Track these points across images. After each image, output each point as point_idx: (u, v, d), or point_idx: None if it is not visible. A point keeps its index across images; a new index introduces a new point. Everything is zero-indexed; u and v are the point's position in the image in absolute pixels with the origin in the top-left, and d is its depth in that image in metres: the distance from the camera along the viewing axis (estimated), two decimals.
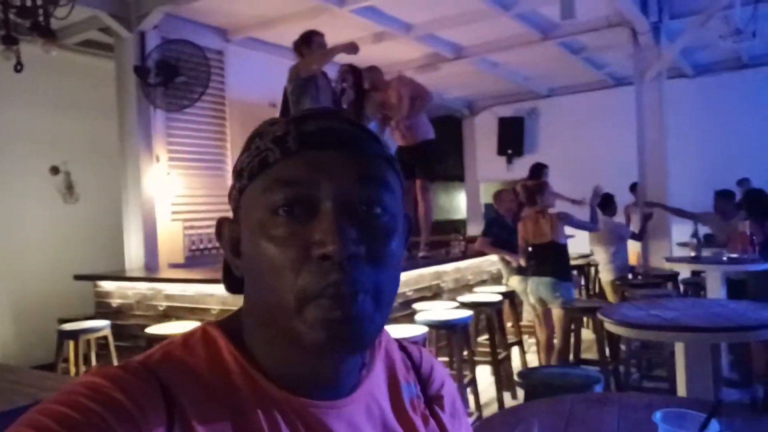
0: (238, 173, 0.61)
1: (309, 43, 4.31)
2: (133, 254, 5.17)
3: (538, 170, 6.12)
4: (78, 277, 4.63)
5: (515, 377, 2.77)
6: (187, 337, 0.61)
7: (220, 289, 0.66)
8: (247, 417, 0.56)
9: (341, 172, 0.57)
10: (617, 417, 1.35)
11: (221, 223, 0.64)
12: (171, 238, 5.27)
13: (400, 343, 0.75)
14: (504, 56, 7.24)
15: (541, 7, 5.66)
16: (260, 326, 0.60)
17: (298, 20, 5.15)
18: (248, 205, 0.59)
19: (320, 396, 0.60)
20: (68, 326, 4.06)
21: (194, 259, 5.40)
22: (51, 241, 5.65)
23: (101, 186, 5.77)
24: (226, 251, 0.63)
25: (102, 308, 4.56)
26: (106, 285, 4.58)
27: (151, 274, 4.83)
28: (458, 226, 8.23)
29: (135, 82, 5.02)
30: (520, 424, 1.16)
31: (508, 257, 4.95)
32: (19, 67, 3.16)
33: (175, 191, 5.35)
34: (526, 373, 2.78)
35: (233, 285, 0.66)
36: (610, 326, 2.46)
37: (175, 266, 5.12)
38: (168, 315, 4.19)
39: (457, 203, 11.71)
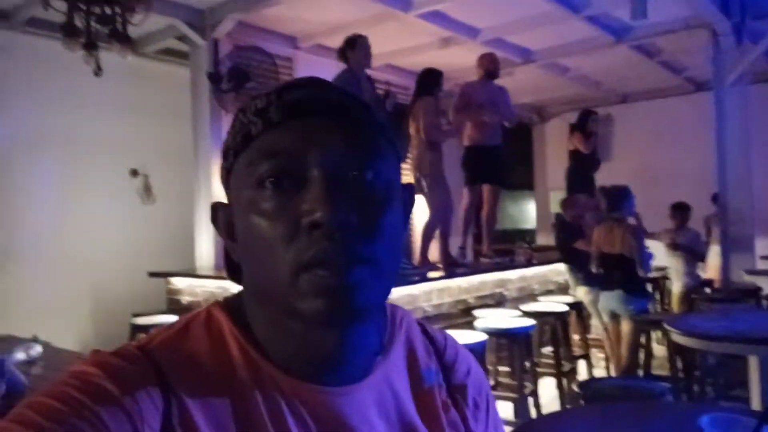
0: (224, 153, 0.60)
1: (354, 45, 4.37)
2: (204, 253, 5.36)
3: (585, 117, 5.92)
4: (152, 274, 4.84)
5: (575, 388, 2.67)
6: (191, 319, 0.60)
7: None
8: (246, 401, 0.54)
9: (328, 139, 0.55)
10: (667, 425, 1.27)
11: (215, 208, 0.63)
12: None
13: (423, 327, 0.72)
14: (575, 61, 7.05)
15: (613, 10, 5.47)
16: (260, 306, 0.59)
17: (365, 26, 5.20)
18: (236, 184, 0.58)
19: (327, 381, 0.57)
20: (140, 320, 4.24)
21: None
22: (129, 240, 5.93)
23: (176, 188, 6.01)
24: (223, 236, 0.62)
25: (173, 305, 4.75)
26: (178, 282, 4.76)
27: (219, 272, 4.99)
28: (526, 235, 8.04)
29: (208, 87, 5.22)
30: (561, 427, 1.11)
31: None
32: (98, 72, 3.37)
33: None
34: (587, 383, 2.68)
35: (235, 272, 0.64)
36: (676, 337, 2.32)
37: None
38: None
39: (526, 212, 11.46)
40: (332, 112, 0.56)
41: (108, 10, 3.16)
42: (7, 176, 5.25)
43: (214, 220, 0.63)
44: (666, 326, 2.48)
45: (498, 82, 5.40)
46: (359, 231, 0.53)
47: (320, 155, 0.54)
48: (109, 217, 5.89)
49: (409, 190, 0.64)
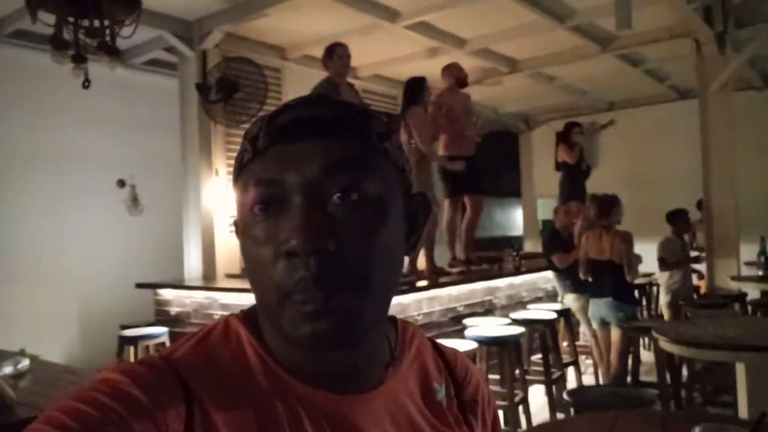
0: (232, 176, 0.63)
1: (331, 55, 4.39)
2: (193, 264, 5.34)
3: (568, 129, 5.93)
4: (139, 285, 4.80)
5: (564, 396, 2.69)
6: (210, 330, 0.61)
7: None
8: (268, 410, 0.55)
9: (308, 163, 0.55)
10: None
11: (236, 222, 0.65)
12: (228, 250, 5.40)
13: (435, 344, 0.74)
14: (561, 70, 7.12)
15: (598, 19, 5.54)
16: (265, 319, 0.61)
17: (353, 37, 5.23)
18: (236, 206, 0.61)
19: (341, 389, 0.59)
20: (128, 332, 4.21)
21: None
22: (116, 250, 5.90)
23: (164, 198, 5.99)
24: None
25: (161, 316, 4.71)
26: (166, 293, 4.73)
27: (208, 283, 4.97)
28: (514, 242, 8.07)
29: (196, 98, 5.22)
30: None
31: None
32: (86, 84, 3.36)
33: (233, 204, 5.50)
34: (576, 391, 2.70)
35: None
36: (665, 344, 2.35)
37: (231, 276, 5.24)
38: None
39: (513, 219, 11.52)
40: (316, 131, 0.56)
41: (96, 23, 3.15)
42: None
43: (237, 233, 0.64)
44: (655, 334, 2.51)
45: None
46: (341, 255, 0.53)
47: (300, 180, 0.54)
48: (96, 228, 5.86)
49: (422, 200, 0.64)
